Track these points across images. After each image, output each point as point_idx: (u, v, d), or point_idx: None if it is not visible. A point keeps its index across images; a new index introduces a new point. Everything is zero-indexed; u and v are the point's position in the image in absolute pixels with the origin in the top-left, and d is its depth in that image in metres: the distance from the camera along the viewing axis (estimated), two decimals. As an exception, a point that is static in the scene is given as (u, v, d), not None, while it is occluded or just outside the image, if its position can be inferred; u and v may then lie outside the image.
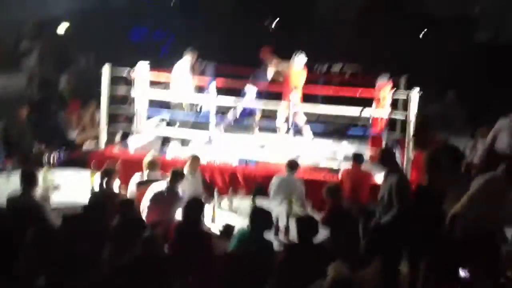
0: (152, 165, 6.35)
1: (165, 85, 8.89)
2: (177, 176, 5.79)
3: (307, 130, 8.78)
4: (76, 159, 8.06)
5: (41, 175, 6.10)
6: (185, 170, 6.30)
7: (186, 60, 8.49)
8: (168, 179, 5.78)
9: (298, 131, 8.68)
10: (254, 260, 4.35)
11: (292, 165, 6.69)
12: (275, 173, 6.84)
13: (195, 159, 6.63)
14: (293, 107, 8.15)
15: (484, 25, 16.71)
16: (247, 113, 8.99)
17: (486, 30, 16.61)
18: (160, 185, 5.78)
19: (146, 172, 6.33)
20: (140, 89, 8.28)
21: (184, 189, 5.93)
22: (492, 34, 16.46)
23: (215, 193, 6.12)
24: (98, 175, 6.13)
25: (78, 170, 7.09)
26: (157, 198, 5.66)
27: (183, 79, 8.46)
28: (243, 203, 6.16)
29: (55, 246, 4.12)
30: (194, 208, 4.90)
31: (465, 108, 11.91)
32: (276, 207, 5.97)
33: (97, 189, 6.00)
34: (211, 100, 8.21)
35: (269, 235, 4.98)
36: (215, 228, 5.50)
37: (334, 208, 5.81)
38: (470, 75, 13.30)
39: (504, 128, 9.27)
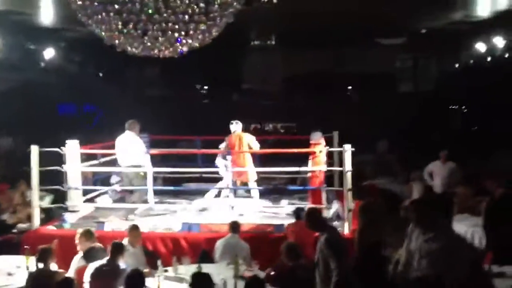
0: (85, 236, 6.11)
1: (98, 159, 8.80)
2: (118, 248, 5.59)
3: (254, 190, 8.82)
4: (9, 241, 7.69)
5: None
6: (125, 242, 6.10)
7: (131, 132, 8.40)
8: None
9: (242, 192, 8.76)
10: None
11: (234, 227, 6.65)
12: (220, 235, 6.75)
13: (134, 229, 6.45)
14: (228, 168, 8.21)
15: (406, 77, 17.84)
16: None
17: (407, 81, 17.73)
18: (101, 260, 5.55)
19: (80, 245, 6.08)
20: (72, 165, 8.07)
21: (127, 262, 5.72)
22: (413, 85, 17.59)
23: (159, 263, 5.92)
24: (33, 257, 5.82)
25: (11, 254, 6.70)
26: (98, 274, 5.41)
27: (132, 150, 8.32)
28: (190, 270, 5.97)
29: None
30: (134, 281, 4.72)
31: (396, 155, 12.44)
32: (223, 270, 5.85)
33: (33, 270, 5.67)
34: (148, 170, 8.14)
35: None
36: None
37: (287, 267, 5.72)
38: (399, 123, 14.02)
39: (435, 171, 9.81)
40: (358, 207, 6.38)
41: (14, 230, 8.25)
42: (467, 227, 7.82)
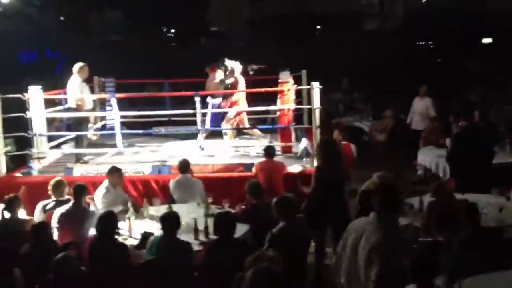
0: (57, 187, 6.03)
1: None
2: (79, 191, 5.60)
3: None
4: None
5: None
6: (105, 183, 6.19)
7: (76, 76, 8.24)
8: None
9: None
10: (172, 262, 4.27)
11: (181, 167, 6.67)
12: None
13: (115, 171, 6.45)
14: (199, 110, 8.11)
15: (372, 15, 17.65)
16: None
17: (373, 19, 17.57)
18: (67, 205, 5.58)
19: (53, 195, 6.02)
20: (36, 111, 7.89)
21: (106, 203, 5.88)
22: (378, 22, 17.44)
23: (129, 205, 5.94)
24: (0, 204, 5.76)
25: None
26: (64, 218, 5.44)
27: (75, 93, 8.19)
28: (160, 211, 6.00)
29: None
30: (108, 221, 4.73)
31: (363, 93, 12.52)
32: (193, 209, 5.90)
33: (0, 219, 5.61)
34: (114, 114, 8.03)
35: (189, 238, 4.94)
36: (133, 239, 5.31)
37: (252, 204, 5.80)
38: (367, 61, 13.97)
39: (414, 105, 9.99)
40: (317, 144, 6.41)
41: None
42: (432, 158, 8.09)
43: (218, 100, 8.99)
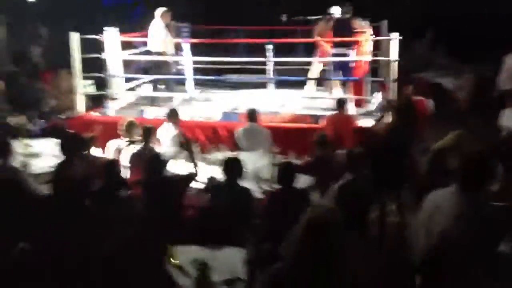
0: (129, 127, 6.18)
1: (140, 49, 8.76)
2: (148, 132, 5.72)
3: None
4: (56, 127, 7.94)
5: (20, 144, 6.04)
6: (165, 125, 6.29)
7: (159, 20, 8.27)
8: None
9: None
10: (233, 208, 4.28)
11: (250, 115, 6.64)
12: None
13: (172, 112, 6.58)
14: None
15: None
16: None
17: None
18: (137, 146, 5.74)
19: (125, 136, 6.19)
20: (112, 52, 8.04)
21: (169, 144, 6.01)
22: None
23: (196, 148, 5.99)
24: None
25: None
26: (134, 158, 5.59)
27: (159, 38, 8.24)
28: (226, 157, 6.02)
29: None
30: (155, 162, 4.81)
31: (448, 47, 11.76)
32: (259, 158, 5.87)
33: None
34: (187, 59, 8.07)
35: (253, 186, 4.92)
36: (199, 183, 5.37)
37: (318, 156, 5.69)
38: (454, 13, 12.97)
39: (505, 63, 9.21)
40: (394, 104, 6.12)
41: (62, 116, 8.49)
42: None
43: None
